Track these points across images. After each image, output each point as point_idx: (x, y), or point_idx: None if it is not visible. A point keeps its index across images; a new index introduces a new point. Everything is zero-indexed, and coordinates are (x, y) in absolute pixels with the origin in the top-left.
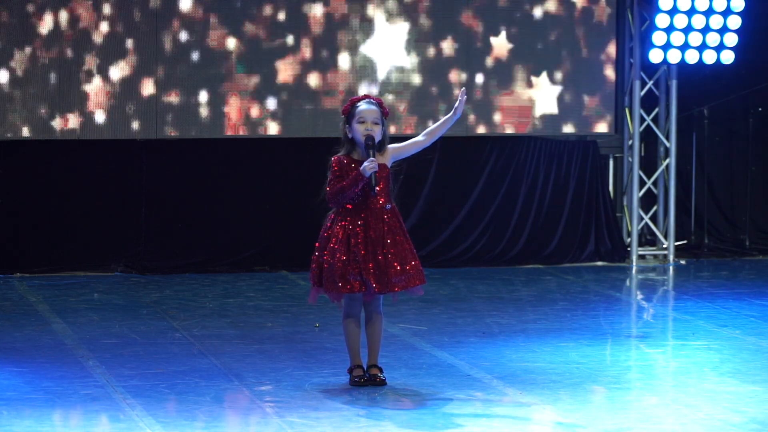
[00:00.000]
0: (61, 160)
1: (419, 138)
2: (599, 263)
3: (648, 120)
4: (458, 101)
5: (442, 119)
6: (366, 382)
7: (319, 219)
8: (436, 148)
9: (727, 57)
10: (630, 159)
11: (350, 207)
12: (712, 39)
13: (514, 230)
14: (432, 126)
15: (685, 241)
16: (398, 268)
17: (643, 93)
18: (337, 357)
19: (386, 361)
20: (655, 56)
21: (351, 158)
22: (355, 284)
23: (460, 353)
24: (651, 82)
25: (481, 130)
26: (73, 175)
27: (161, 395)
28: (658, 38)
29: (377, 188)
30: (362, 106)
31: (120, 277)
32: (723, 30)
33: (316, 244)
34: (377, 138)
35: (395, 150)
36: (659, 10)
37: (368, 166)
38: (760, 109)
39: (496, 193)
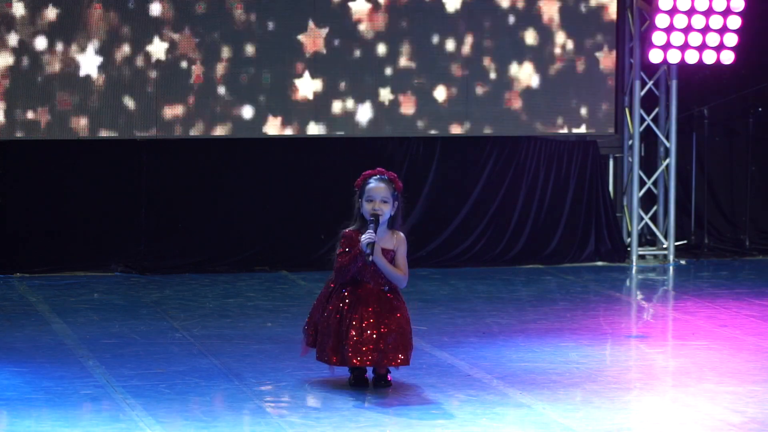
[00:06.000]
0: (61, 160)
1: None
2: (599, 263)
3: (648, 120)
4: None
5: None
6: (366, 382)
7: (320, 219)
8: (436, 147)
9: (727, 57)
10: (630, 159)
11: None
12: (712, 39)
13: (514, 230)
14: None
15: (685, 241)
16: (374, 338)
17: (643, 93)
18: None
19: None
20: (655, 56)
21: (360, 234)
22: (332, 357)
23: (460, 353)
24: (651, 82)
25: (482, 130)
26: (73, 175)
27: (161, 395)
28: (658, 38)
29: (371, 257)
30: (372, 183)
31: (120, 277)
32: (723, 30)
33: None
34: (386, 216)
35: (402, 247)
36: (659, 10)
37: (365, 237)
38: (760, 109)
39: (496, 193)
